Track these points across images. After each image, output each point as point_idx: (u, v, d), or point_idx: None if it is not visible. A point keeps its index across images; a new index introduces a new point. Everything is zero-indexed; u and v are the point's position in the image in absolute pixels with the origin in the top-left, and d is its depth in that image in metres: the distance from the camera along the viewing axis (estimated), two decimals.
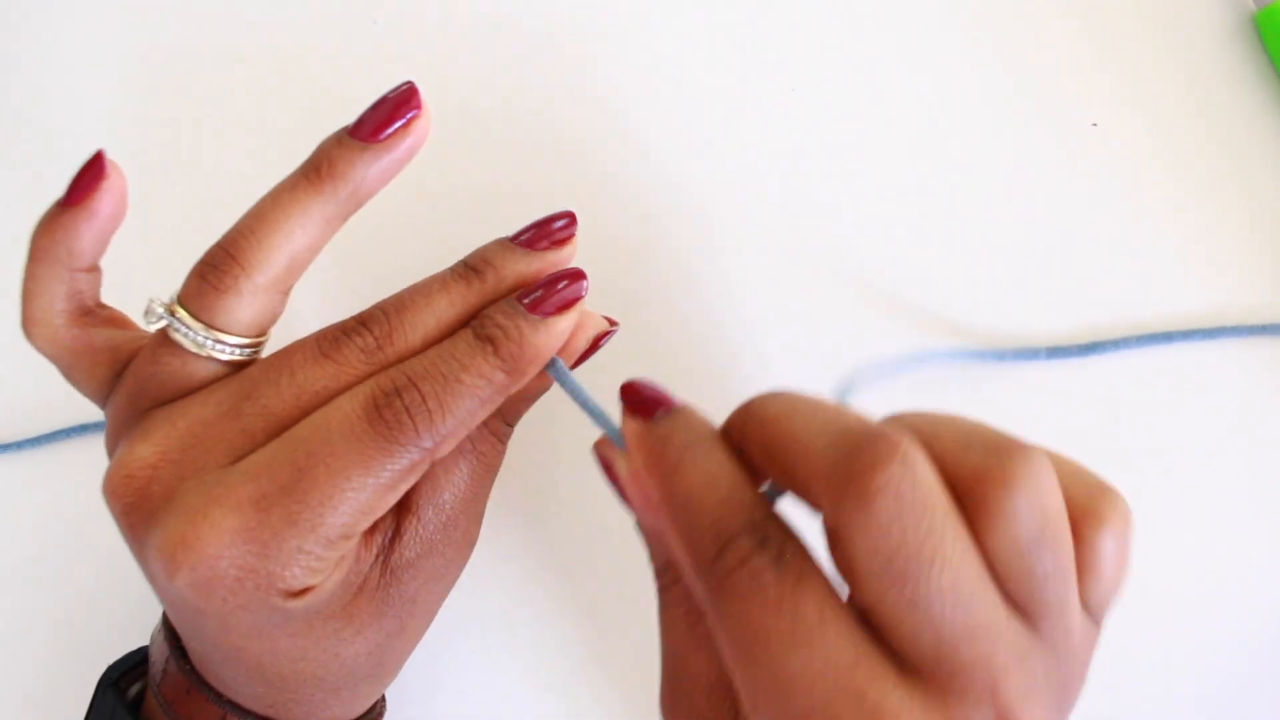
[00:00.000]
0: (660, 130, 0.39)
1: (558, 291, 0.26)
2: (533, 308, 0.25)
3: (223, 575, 0.22)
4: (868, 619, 0.19)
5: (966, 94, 0.39)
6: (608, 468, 0.24)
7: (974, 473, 0.19)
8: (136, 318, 0.28)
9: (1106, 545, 0.20)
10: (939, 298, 0.38)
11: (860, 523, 0.19)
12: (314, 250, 0.26)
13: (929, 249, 0.38)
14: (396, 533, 0.26)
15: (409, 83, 0.26)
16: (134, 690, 0.30)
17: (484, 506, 0.28)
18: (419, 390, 0.24)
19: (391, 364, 0.25)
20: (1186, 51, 0.39)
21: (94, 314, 0.26)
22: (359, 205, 0.26)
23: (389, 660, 0.28)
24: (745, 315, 0.38)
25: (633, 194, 0.39)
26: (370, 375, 0.25)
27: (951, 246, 0.38)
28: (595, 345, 0.28)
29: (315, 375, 0.24)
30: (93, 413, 0.38)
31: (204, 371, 0.25)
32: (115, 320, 0.27)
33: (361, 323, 0.25)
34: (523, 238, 0.27)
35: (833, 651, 0.18)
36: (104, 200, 0.25)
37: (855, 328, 0.37)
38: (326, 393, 0.24)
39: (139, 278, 0.30)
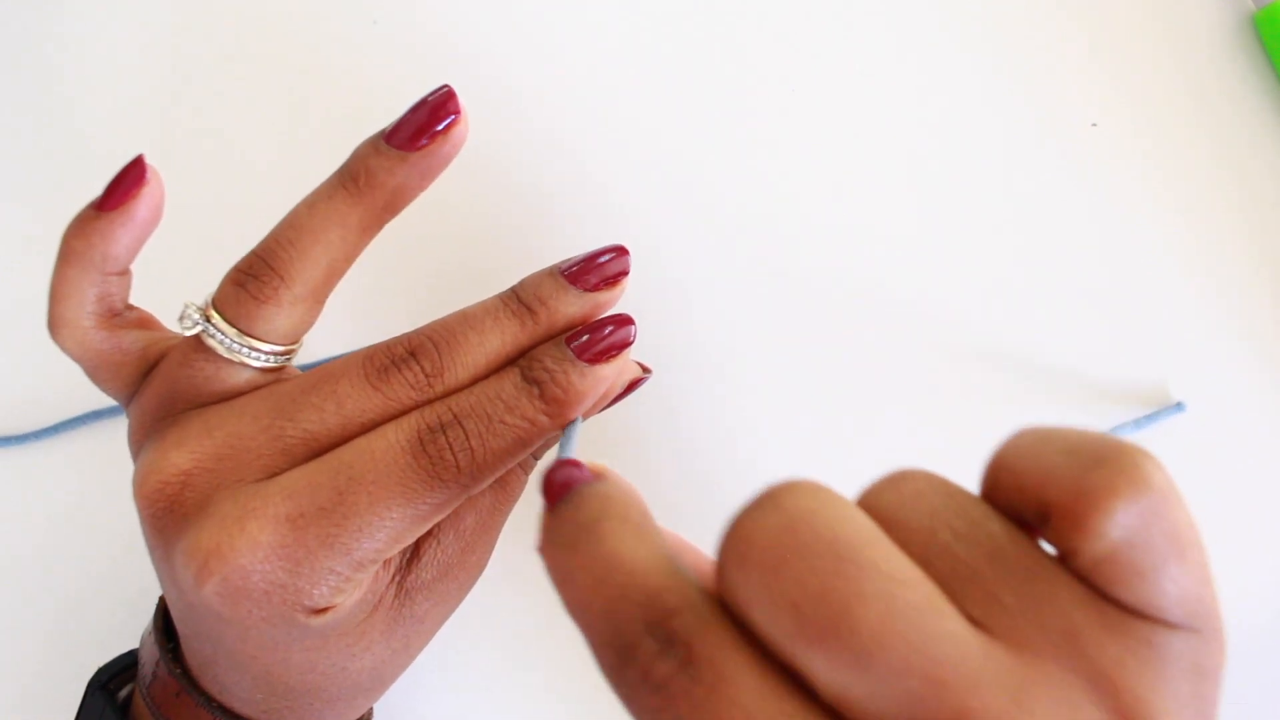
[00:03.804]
0: (661, 130, 0.39)
1: (606, 337, 0.25)
2: (580, 352, 0.25)
3: (252, 588, 0.23)
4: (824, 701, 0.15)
5: (965, 94, 0.39)
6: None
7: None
8: (162, 315, 0.28)
9: (1115, 528, 0.15)
10: (936, 296, 0.37)
11: (746, 587, 0.15)
12: (351, 259, 0.26)
13: (927, 249, 0.38)
14: (415, 555, 0.27)
15: (446, 86, 0.25)
16: (124, 693, 0.30)
17: (499, 533, 0.29)
18: (463, 428, 0.24)
19: (438, 397, 0.25)
20: (1186, 52, 0.39)
21: (122, 316, 0.26)
22: (396, 212, 0.26)
23: (388, 675, 0.28)
24: (745, 313, 0.38)
25: (633, 193, 0.39)
26: (416, 407, 0.25)
27: (950, 246, 0.38)
28: (629, 389, 0.28)
29: (362, 406, 0.24)
30: (75, 409, 0.38)
31: (237, 378, 0.25)
32: (143, 321, 0.27)
33: (411, 353, 0.25)
34: (573, 270, 0.27)
35: None
36: (143, 205, 0.25)
37: (852, 330, 0.37)
38: (371, 422, 0.24)
39: (157, 276, 0.30)
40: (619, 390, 0.27)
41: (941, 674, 0.14)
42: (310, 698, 0.26)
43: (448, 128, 0.25)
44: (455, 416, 0.24)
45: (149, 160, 0.25)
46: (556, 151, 0.39)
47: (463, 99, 0.25)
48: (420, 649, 0.28)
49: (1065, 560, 0.16)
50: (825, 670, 0.14)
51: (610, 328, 0.26)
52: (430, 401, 0.25)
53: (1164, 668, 0.15)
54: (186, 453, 0.24)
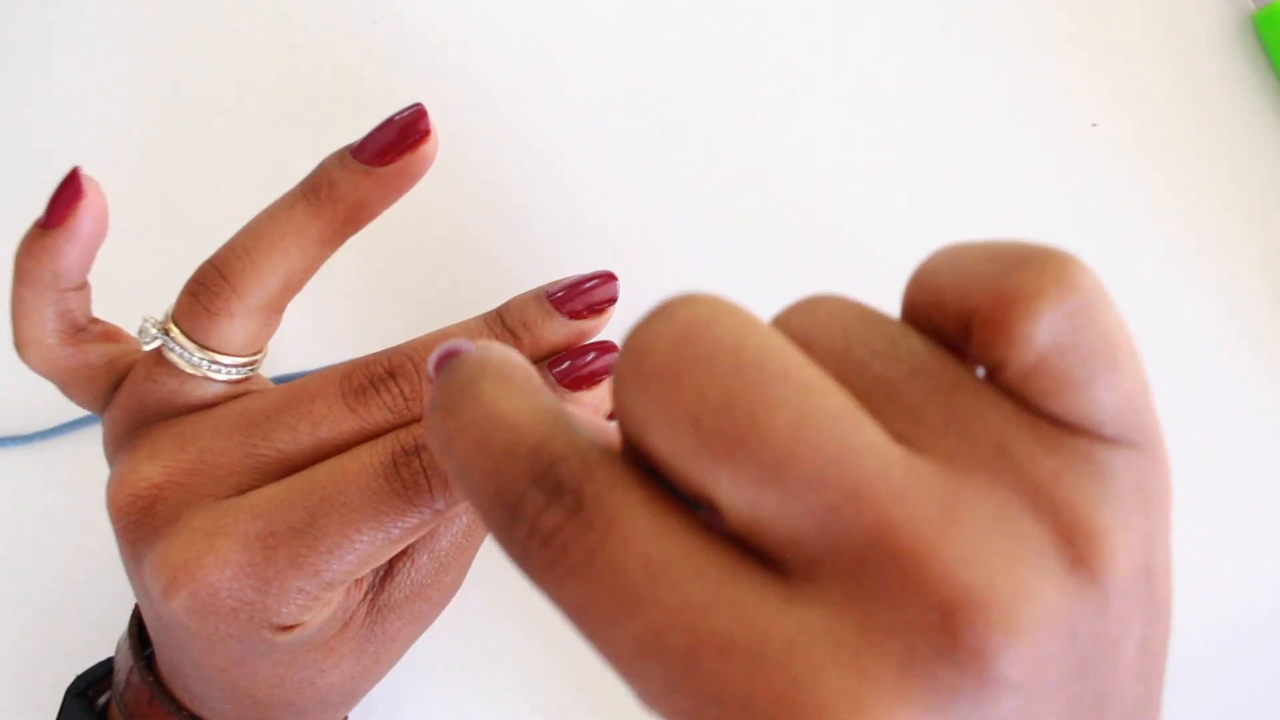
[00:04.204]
0: (660, 130, 0.39)
1: (587, 364, 0.25)
2: (561, 379, 0.25)
3: (220, 604, 0.23)
4: (730, 531, 0.14)
5: (966, 94, 0.39)
6: None
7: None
8: (128, 324, 0.27)
9: (1040, 332, 0.14)
10: None
11: (641, 405, 0.14)
12: (310, 271, 0.25)
13: (924, 249, 0.37)
14: (388, 574, 0.26)
15: (418, 105, 0.25)
16: (103, 700, 0.30)
17: (474, 555, 0.28)
18: None
19: (416, 418, 0.25)
20: (1186, 52, 0.39)
21: (86, 330, 0.26)
22: (358, 228, 0.25)
23: (359, 689, 0.28)
24: None
25: (633, 193, 0.38)
26: (392, 428, 0.24)
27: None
28: (611, 418, 0.27)
29: (338, 427, 0.24)
30: (77, 411, 0.37)
31: (203, 391, 0.25)
32: (109, 334, 0.26)
33: (390, 373, 0.25)
34: (559, 295, 0.26)
35: (674, 599, 0.13)
36: (84, 219, 0.24)
37: None
38: (346, 442, 0.24)
39: (131, 285, 0.29)
40: (603, 414, 0.27)
41: (861, 484, 0.13)
42: (279, 710, 0.26)
43: (415, 145, 0.24)
44: None
45: (85, 171, 0.25)
46: (556, 149, 0.39)
47: (434, 118, 0.25)
48: (392, 664, 0.28)
49: (993, 377, 0.14)
50: (732, 490, 0.13)
51: (592, 355, 0.25)
52: (407, 423, 0.25)
53: (1105, 484, 0.14)
54: (159, 466, 0.24)
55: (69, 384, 0.26)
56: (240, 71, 0.40)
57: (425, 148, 0.24)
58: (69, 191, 0.24)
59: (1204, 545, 0.35)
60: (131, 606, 0.35)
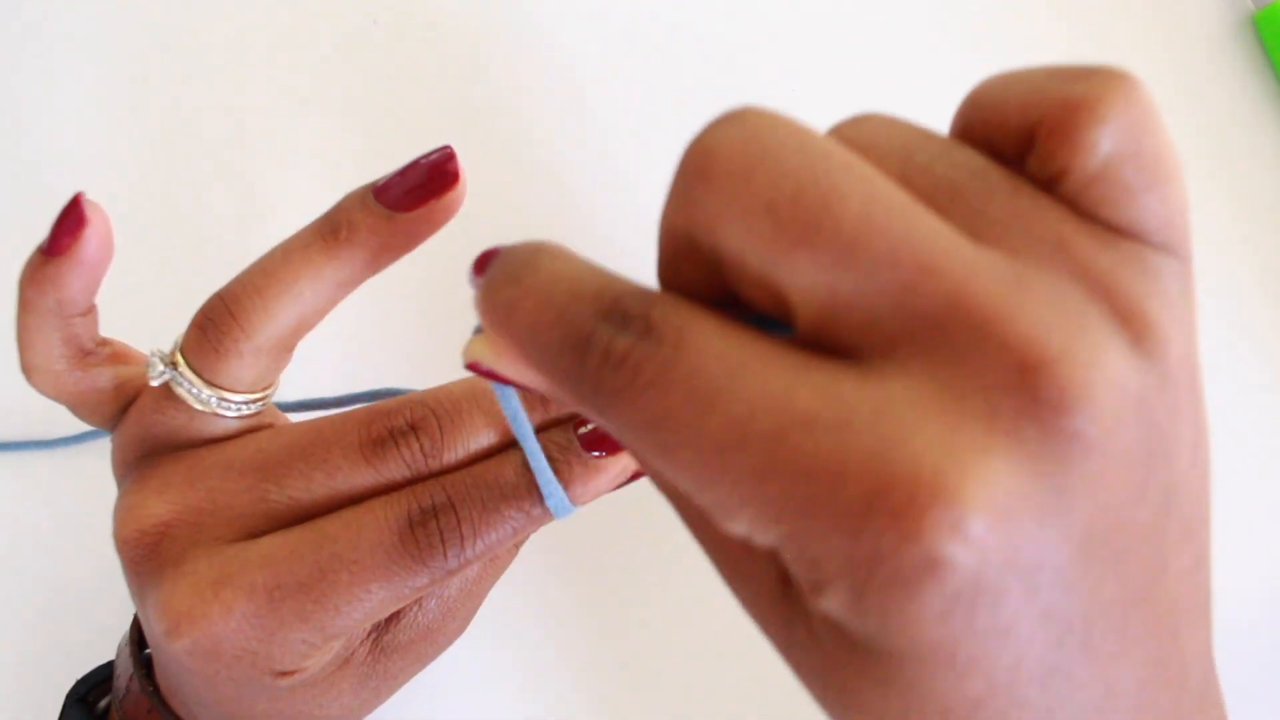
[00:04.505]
0: (661, 131, 0.39)
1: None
2: (588, 443, 0.24)
3: (222, 652, 0.22)
4: (811, 340, 0.14)
5: (964, 94, 0.39)
6: (487, 372, 0.20)
7: None
8: (133, 337, 0.27)
9: (1106, 138, 0.14)
10: None
11: (712, 201, 0.14)
12: (323, 312, 0.24)
13: None
14: (395, 617, 0.26)
15: (447, 148, 0.23)
16: (103, 704, 0.30)
17: (483, 600, 0.28)
18: (456, 513, 0.23)
19: (434, 474, 0.24)
20: (1186, 52, 0.39)
21: (94, 354, 0.25)
22: (377, 271, 0.24)
23: (356, 719, 0.28)
24: None
25: (634, 195, 0.38)
26: (409, 483, 0.24)
27: None
28: (634, 478, 0.26)
29: (353, 480, 0.23)
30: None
31: (213, 427, 0.24)
32: (117, 356, 0.26)
33: (412, 426, 0.24)
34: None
35: (754, 389, 0.13)
36: (88, 246, 0.23)
37: None
38: (361, 494, 0.24)
39: (137, 292, 0.29)
40: (624, 479, 0.25)
41: (934, 261, 0.13)
42: None
43: (443, 191, 0.23)
44: (450, 500, 0.23)
45: (88, 196, 0.23)
46: (559, 152, 0.38)
47: (462, 161, 0.23)
48: (390, 695, 0.28)
49: (1052, 187, 0.15)
50: (808, 277, 0.13)
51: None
52: (424, 478, 0.24)
53: (1157, 283, 0.14)
54: (167, 502, 0.23)
55: (77, 407, 0.25)
56: (240, 73, 0.40)
57: (453, 194, 0.23)
58: (71, 218, 0.23)
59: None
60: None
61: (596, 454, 0.24)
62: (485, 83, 0.39)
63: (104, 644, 0.36)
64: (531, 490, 0.23)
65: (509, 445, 0.24)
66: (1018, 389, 0.13)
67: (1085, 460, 0.13)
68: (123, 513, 0.24)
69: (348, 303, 0.25)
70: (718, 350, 0.14)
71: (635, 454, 0.16)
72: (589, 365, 0.15)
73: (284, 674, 0.23)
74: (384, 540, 0.22)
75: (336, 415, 0.24)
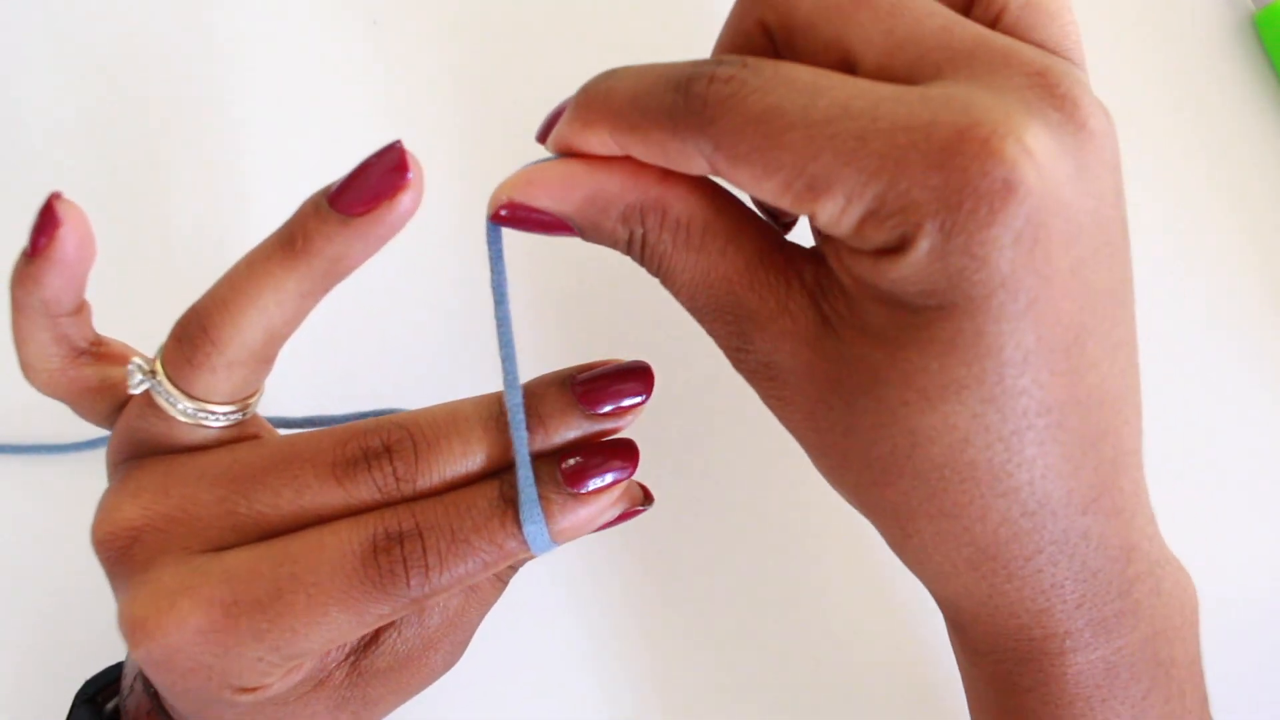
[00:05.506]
0: None
1: (600, 469, 0.23)
2: (570, 479, 0.23)
3: (177, 664, 0.22)
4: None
5: None
6: (516, 211, 0.24)
7: None
8: (128, 336, 0.27)
9: None
10: None
11: None
12: (294, 323, 0.23)
13: None
14: (374, 640, 0.25)
15: (396, 144, 0.22)
16: (111, 705, 0.30)
17: (471, 635, 0.27)
18: (423, 541, 0.22)
19: (405, 499, 0.23)
20: (1186, 52, 0.39)
21: (87, 353, 0.25)
22: (340, 279, 0.23)
23: None
24: None
25: None
26: (379, 506, 0.23)
27: None
28: (620, 519, 0.25)
29: (322, 499, 0.23)
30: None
31: (194, 435, 0.24)
32: (109, 355, 0.26)
33: (387, 448, 0.23)
34: (587, 390, 0.24)
35: (849, 86, 0.19)
36: (65, 246, 0.23)
37: None
38: (329, 514, 0.23)
39: (125, 291, 0.29)
40: (612, 516, 0.24)
41: (958, 18, 0.20)
42: None
43: (394, 191, 0.22)
44: (417, 526, 0.22)
45: (64, 196, 0.23)
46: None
47: (415, 155, 0.22)
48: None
49: (995, 24, 0.21)
50: (869, 27, 0.19)
51: (608, 460, 0.23)
52: (394, 503, 0.23)
53: (1077, 74, 0.19)
54: (139, 507, 0.23)
55: (75, 405, 0.26)
56: (240, 73, 0.40)
57: (407, 195, 0.22)
58: (45, 220, 0.23)
59: (1203, 545, 0.35)
60: None
61: (580, 489, 0.23)
62: (485, 82, 0.39)
63: (109, 646, 0.36)
64: (505, 523, 0.23)
65: (486, 475, 0.24)
66: (1041, 88, 0.18)
67: (1092, 145, 0.18)
68: (100, 513, 0.24)
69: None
70: (806, 71, 0.19)
71: (727, 173, 0.20)
72: (694, 89, 0.19)
73: (244, 690, 0.23)
74: (345, 564, 0.22)
75: (317, 431, 0.24)
